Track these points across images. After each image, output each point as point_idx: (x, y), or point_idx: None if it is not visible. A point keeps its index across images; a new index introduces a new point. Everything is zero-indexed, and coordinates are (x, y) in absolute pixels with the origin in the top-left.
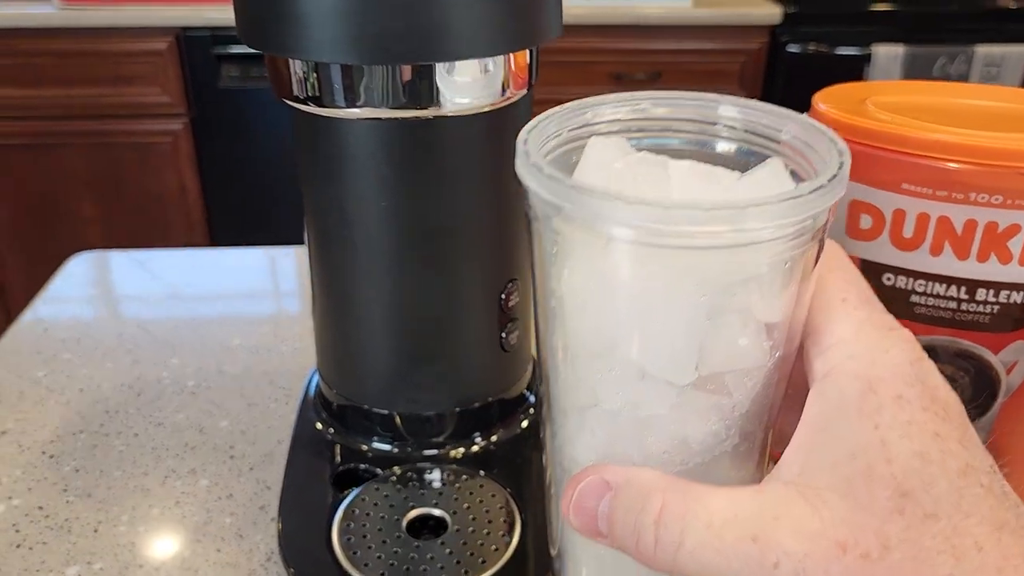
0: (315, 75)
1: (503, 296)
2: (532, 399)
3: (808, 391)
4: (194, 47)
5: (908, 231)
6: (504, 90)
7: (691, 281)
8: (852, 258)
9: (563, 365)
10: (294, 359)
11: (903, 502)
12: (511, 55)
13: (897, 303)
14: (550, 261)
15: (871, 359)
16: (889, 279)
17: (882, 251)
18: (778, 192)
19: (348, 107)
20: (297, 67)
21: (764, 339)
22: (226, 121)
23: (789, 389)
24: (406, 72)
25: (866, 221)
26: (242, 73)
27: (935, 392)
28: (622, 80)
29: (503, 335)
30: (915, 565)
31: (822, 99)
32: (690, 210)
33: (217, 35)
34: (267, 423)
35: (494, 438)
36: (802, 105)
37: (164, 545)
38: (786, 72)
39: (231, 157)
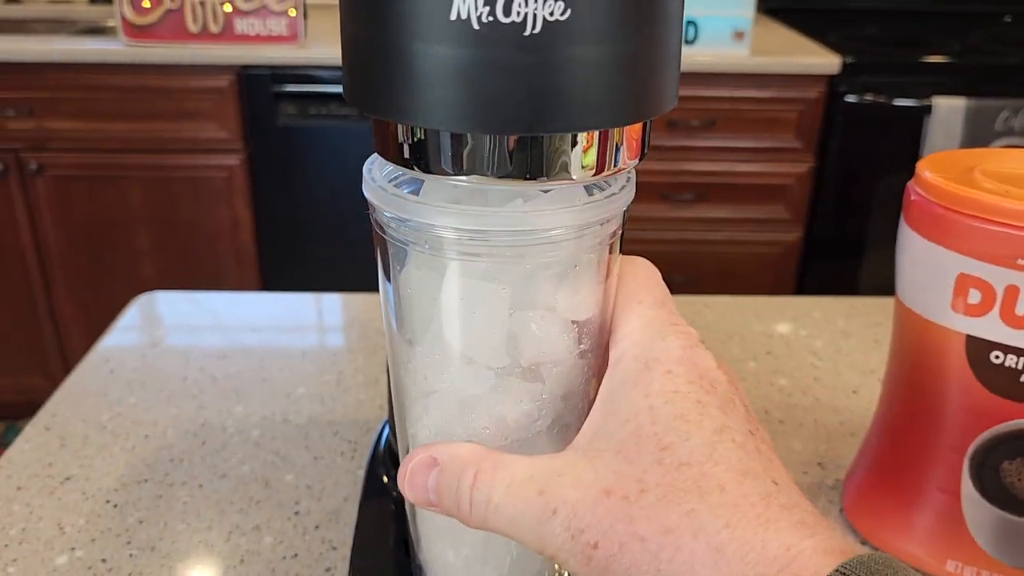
0: (423, 140)
1: None
2: None
3: None
4: (254, 85)
5: (1022, 308)
6: (616, 161)
7: (496, 277)
8: (954, 333)
9: (404, 354)
10: (359, 410)
11: (663, 454)
12: (626, 130)
13: (1004, 382)
14: (391, 262)
15: (650, 344)
16: (997, 357)
17: (991, 328)
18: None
19: (454, 174)
20: (404, 130)
21: (567, 333)
22: (281, 158)
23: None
24: (517, 142)
25: (975, 296)
26: (299, 112)
27: (704, 372)
28: (676, 127)
29: None
30: (665, 503)
31: (927, 166)
32: (486, 215)
33: (276, 74)
34: (333, 478)
35: None
36: (860, 155)
37: None
38: (843, 122)
39: (285, 194)
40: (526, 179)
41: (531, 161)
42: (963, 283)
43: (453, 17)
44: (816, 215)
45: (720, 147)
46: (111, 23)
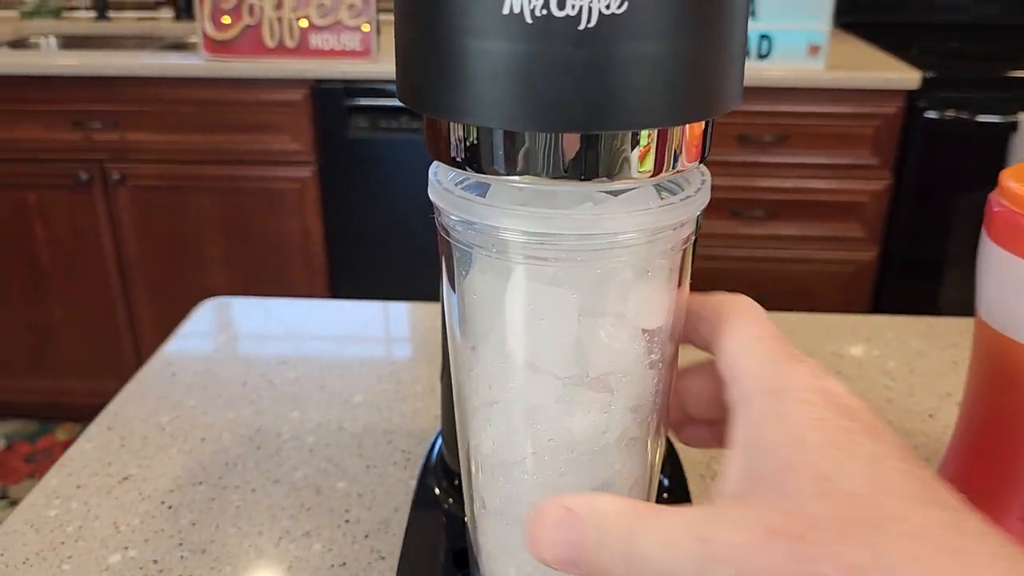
0: (476, 139)
1: None
2: (666, 481)
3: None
4: (327, 98)
5: None
6: (675, 162)
7: (564, 283)
8: None
9: (467, 362)
10: (415, 420)
11: (824, 486)
12: (687, 129)
13: None
14: (456, 267)
15: (777, 376)
16: None
17: None
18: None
19: (507, 174)
20: (456, 130)
21: (637, 342)
22: (352, 170)
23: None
24: (572, 140)
25: None
26: (371, 124)
27: (839, 399)
28: (747, 142)
29: None
30: (840, 538)
31: (1012, 176)
32: (554, 217)
33: (349, 87)
34: (384, 487)
35: None
36: (940, 172)
37: None
38: (922, 139)
39: (355, 206)
40: (581, 179)
41: (587, 161)
42: None
43: (506, 11)
44: (893, 234)
45: (793, 163)
46: (193, 39)
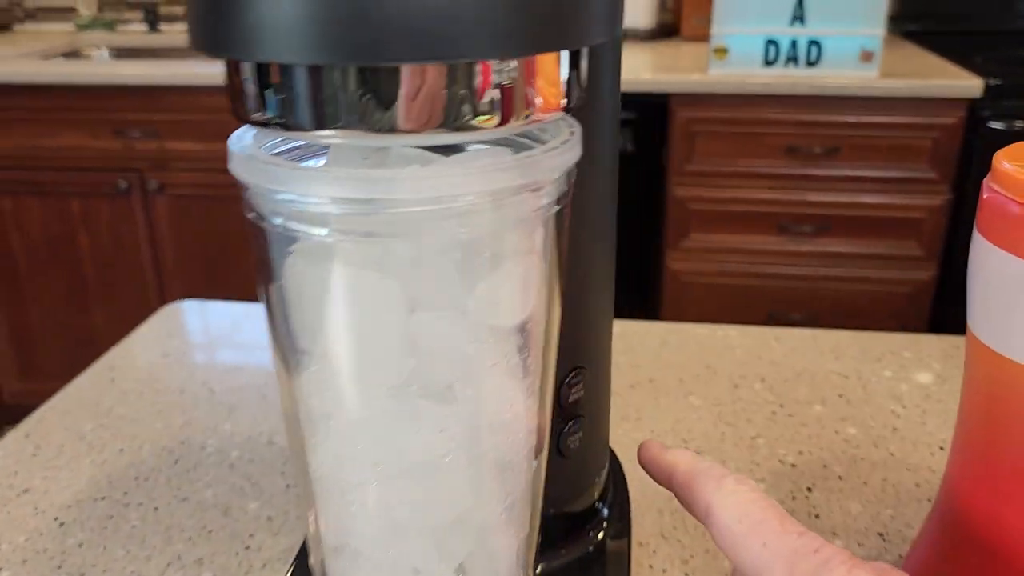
0: (274, 82)
1: (562, 388)
2: (605, 512)
3: None
4: None
5: None
6: (529, 110)
7: (388, 266)
8: None
9: (296, 368)
10: None
11: None
12: (537, 64)
13: None
14: (271, 258)
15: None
16: None
17: None
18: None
19: (316, 128)
20: (250, 74)
21: (488, 344)
22: None
23: None
24: (390, 78)
25: None
26: None
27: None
28: (796, 154)
29: (560, 437)
30: None
31: (1007, 156)
32: (372, 179)
33: None
34: (299, 510)
35: (556, 561)
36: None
37: None
38: (985, 151)
39: None
40: (407, 132)
41: (412, 106)
42: None
43: None
44: (952, 252)
45: (844, 176)
46: None
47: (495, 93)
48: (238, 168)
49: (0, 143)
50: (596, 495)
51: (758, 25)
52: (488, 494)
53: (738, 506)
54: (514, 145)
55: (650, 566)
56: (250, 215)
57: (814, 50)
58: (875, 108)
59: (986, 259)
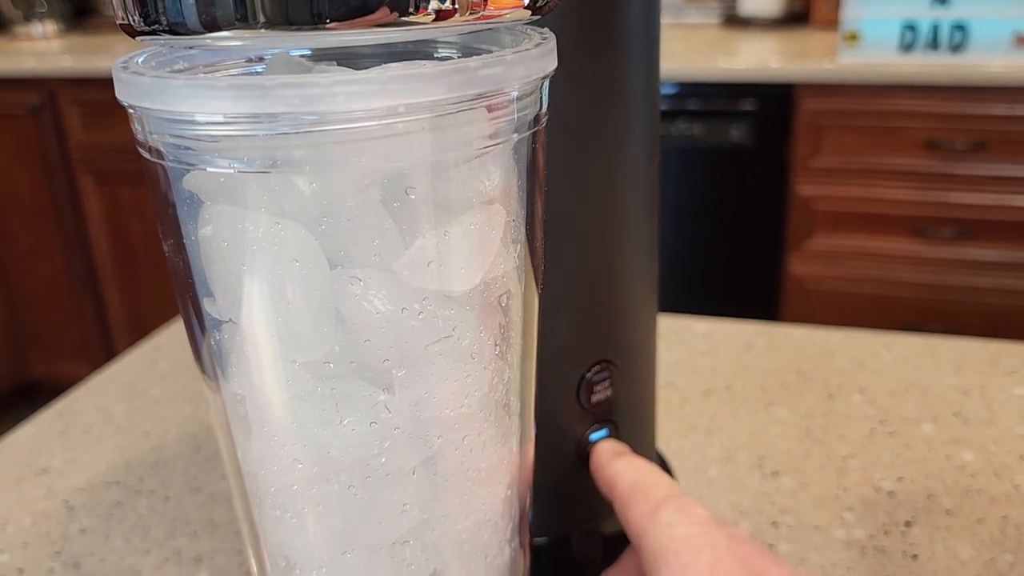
0: None
1: (581, 385)
2: None
3: None
4: None
5: None
6: (478, 9)
7: (296, 207)
8: None
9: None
10: None
11: None
12: None
13: None
14: (183, 211)
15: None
16: None
17: None
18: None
19: (208, 30)
20: None
21: (424, 314)
22: None
23: None
24: None
25: None
26: None
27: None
28: (937, 149)
29: (581, 443)
30: None
31: None
32: (267, 88)
33: None
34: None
35: None
36: None
37: None
38: None
39: None
40: (321, 27)
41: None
42: None
43: None
44: None
45: (991, 175)
46: None
47: None
48: (122, 92)
49: (120, 134)
50: None
51: (894, 7)
52: (445, 508)
53: (669, 542)
54: (462, 53)
55: None
56: (143, 153)
57: (958, 34)
58: None
59: None
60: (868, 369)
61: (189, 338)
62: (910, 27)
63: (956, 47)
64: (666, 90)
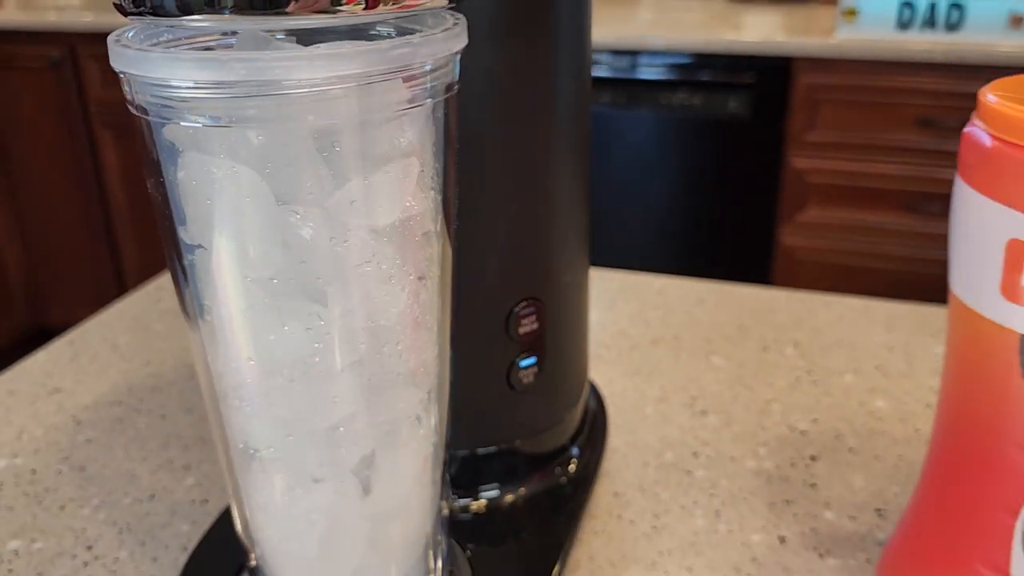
0: None
1: (510, 318)
2: (576, 452)
3: None
4: None
5: None
6: None
7: (256, 160)
8: (1007, 332)
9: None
10: None
11: None
12: None
13: None
14: (163, 156)
15: None
16: None
17: None
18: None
19: (183, 15)
20: None
21: (349, 242)
22: None
23: None
24: None
25: None
26: None
27: None
28: (930, 127)
29: (511, 369)
30: None
31: (997, 88)
32: (222, 61)
33: None
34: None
35: (514, 493)
36: None
37: (110, 540)
38: None
39: None
40: (268, 12)
41: None
42: (1016, 254)
43: None
44: None
45: None
46: None
47: None
48: (115, 60)
49: None
50: (568, 435)
51: None
52: (373, 403)
53: None
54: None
55: (619, 516)
56: (131, 109)
57: (955, 13)
58: None
59: (963, 204)
60: (805, 326)
61: (167, 261)
62: (908, 4)
63: (952, 26)
64: (672, 60)
